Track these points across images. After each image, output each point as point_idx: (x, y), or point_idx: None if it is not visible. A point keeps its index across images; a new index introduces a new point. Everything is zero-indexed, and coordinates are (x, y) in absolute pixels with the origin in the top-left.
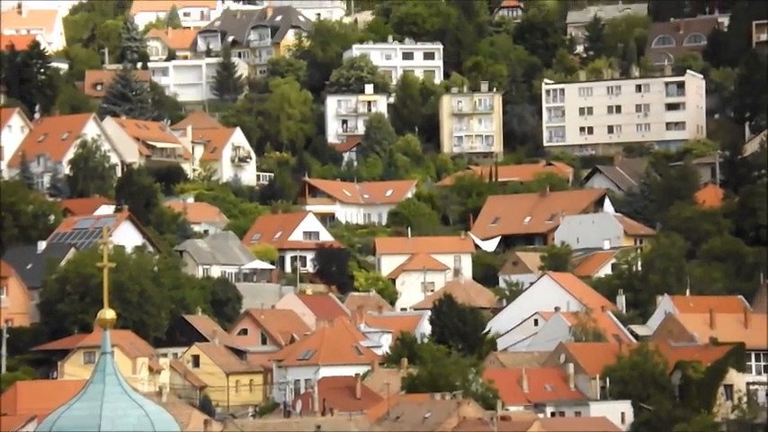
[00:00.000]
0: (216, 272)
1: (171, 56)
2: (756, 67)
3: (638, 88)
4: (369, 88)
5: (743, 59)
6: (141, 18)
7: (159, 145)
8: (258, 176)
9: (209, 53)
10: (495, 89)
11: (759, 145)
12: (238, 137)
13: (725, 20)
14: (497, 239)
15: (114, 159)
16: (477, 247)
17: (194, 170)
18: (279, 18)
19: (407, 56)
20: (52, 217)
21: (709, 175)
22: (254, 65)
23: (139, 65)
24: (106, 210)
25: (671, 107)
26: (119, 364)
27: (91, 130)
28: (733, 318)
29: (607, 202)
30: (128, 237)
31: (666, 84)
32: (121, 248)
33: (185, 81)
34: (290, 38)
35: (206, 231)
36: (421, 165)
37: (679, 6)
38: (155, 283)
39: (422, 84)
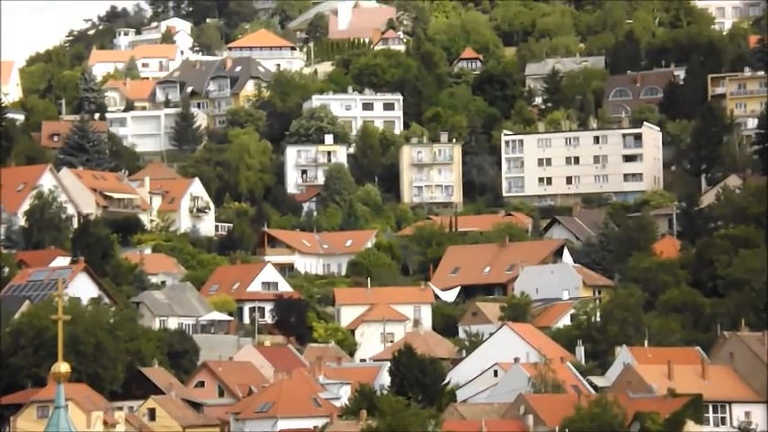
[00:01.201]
0: (173, 323)
1: (129, 106)
2: (712, 120)
3: (596, 140)
4: (329, 138)
5: (699, 112)
6: (99, 69)
7: (116, 196)
8: (217, 227)
9: (167, 104)
10: (454, 140)
11: (715, 197)
12: (197, 187)
13: (681, 73)
14: (457, 290)
15: (71, 210)
16: (436, 297)
17: (152, 221)
18: (238, 69)
19: (367, 106)
20: (7, 269)
21: (667, 227)
22: (214, 115)
23: (97, 115)
24: (62, 261)
25: (628, 159)
26: (73, 418)
27: (47, 181)
28: (691, 369)
29: (566, 252)
30: (84, 289)
31: (624, 135)
32: (77, 301)
33: (143, 132)
34: (249, 88)
35: (163, 282)
36: (381, 215)
37: (636, 59)
38: (110, 335)
39: (382, 134)
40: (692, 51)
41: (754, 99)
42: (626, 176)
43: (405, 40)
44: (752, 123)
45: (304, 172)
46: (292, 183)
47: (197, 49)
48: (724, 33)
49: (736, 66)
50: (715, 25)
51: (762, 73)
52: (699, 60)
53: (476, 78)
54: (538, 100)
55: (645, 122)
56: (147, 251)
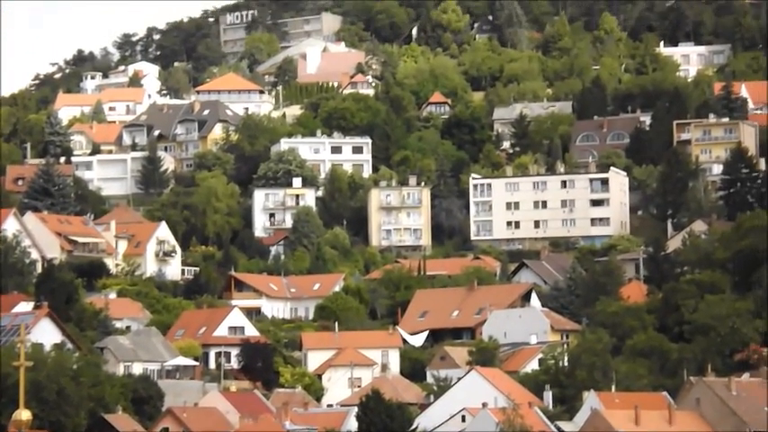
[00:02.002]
0: (137, 369)
1: (95, 150)
2: (677, 166)
3: (564, 184)
4: (297, 182)
5: (664, 158)
6: (65, 112)
7: (81, 240)
8: (183, 271)
9: (134, 147)
10: (423, 183)
11: (681, 242)
12: (163, 231)
13: (647, 119)
14: (425, 334)
15: (35, 255)
16: (404, 341)
17: (117, 265)
18: (206, 112)
19: (336, 150)
20: None
21: (634, 271)
22: (181, 159)
23: (63, 159)
24: (25, 307)
25: (595, 203)
26: None
27: (11, 225)
28: (658, 414)
29: (534, 296)
30: (47, 334)
31: (591, 180)
32: (40, 346)
33: (110, 175)
34: (217, 132)
35: (128, 327)
36: (349, 258)
37: (602, 105)
38: (74, 381)
39: (350, 177)
40: (657, 98)
41: (719, 145)
42: (593, 221)
43: (374, 85)
44: (717, 169)
45: (272, 215)
46: (260, 226)
47: (165, 92)
48: (689, 80)
49: (700, 112)
50: (680, 72)
51: (726, 119)
52: (664, 106)
53: (444, 122)
54: (506, 144)
55: (611, 167)
56: (112, 296)
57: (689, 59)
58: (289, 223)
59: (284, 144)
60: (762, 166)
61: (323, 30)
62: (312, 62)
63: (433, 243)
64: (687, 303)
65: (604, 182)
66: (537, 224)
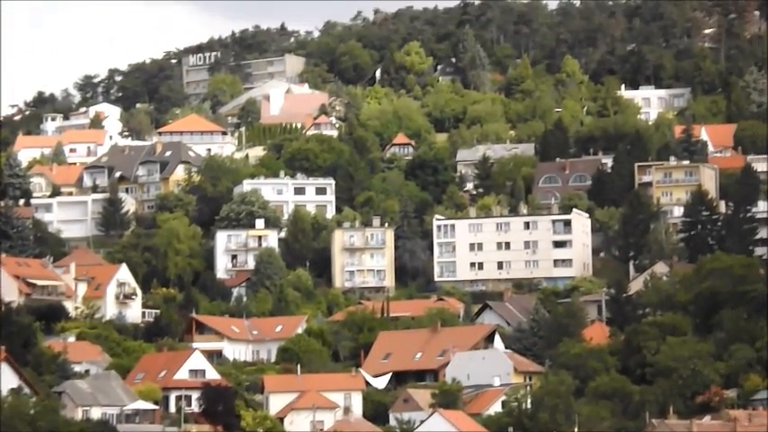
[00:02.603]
0: (96, 413)
1: (55, 192)
2: (639, 208)
3: (527, 225)
4: (259, 223)
5: (626, 200)
6: (25, 154)
7: (40, 283)
8: (144, 313)
9: (95, 189)
10: (386, 224)
11: (643, 284)
12: (124, 273)
13: (608, 161)
14: (388, 376)
15: None
16: (367, 383)
17: (77, 308)
18: (168, 153)
19: (299, 191)
20: None
21: (596, 313)
22: (142, 200)
23: (22, 201)
24: None
25: (558, 245)
26: None
27: None
28: None
29: (497, 338)
30: (4, 379)
31: (553, 222)
32: None
33: (70, 217)
34: (179, 173)
35: (87, 371)
36: (312, 300)
37: (564, 147)
38: (31, 426)
39: (313, 218)
40: (619, 140)
41: (680, 187)
42: (556, 262)
43: (337, 126)
44: (678, 211)
45: (234, 257)
46: (222, 268)
47: (126, 134)
48: (650, 123)
49: (661, 155)
50: (641, 115)
51: (686, 162)
52: (626, 149)
53: (408, 164)
54: (469, 185)
55: (574, 209)
56: (71, 339)
57: (650, 103)
58: (251, 265)
59: (247, 185)
60: (722, 208)
61: (286, 71)
62: (275, 103)
63: (396, 284)
64: (649, 345)
65: (567, 223)
66: (500, 265)
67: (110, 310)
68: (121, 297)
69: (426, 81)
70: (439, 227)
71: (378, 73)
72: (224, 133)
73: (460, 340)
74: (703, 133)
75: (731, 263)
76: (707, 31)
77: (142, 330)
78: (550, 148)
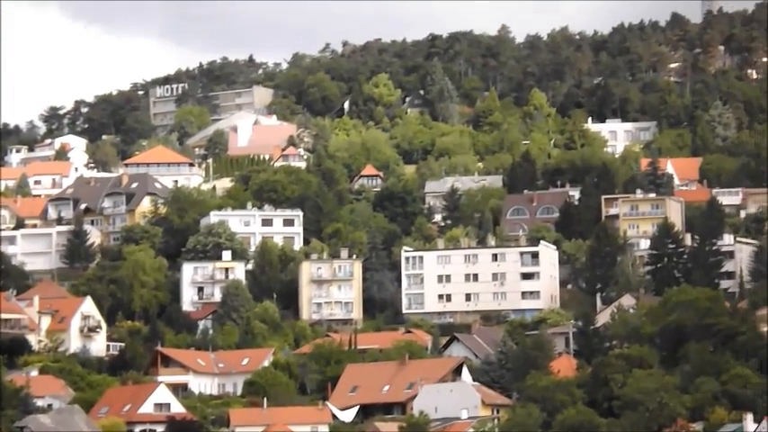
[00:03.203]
0: None
1: (19, 224)
2: (606, 240)
3: (495, 257)
4: (226, 255)
5: (593, 232)
6: None
7: (3, 316)
8: (108, 347)
9: (60, 221)
10: (354, 256)
11: (610, 316)
12: (88, 306)
13: (576, 193)
14: (356, 409)
15: None
16: (334, 417)
17: (40, 341)
18: (134, 185)
19: (267, 222)
20: None
21: (564, 345)
22: (108, 232)
23: None
24: None
25: (526, 276)
26: None
27: None
28: None
29: (465, 370)
30: None
31: (521, 254)
32: None
33: (34, 250)
34: (145, 205)
35: (50, 406)
36: (279, 332)
37: (532, 179)
38: None
39: (281, 250)
40: (586, 173)
41: (646, 220)
42: (524, 294)
43: (305, 157)
44: (644, 244)
45: (200, 289)
46: (188, 300)
47: (92, 165)
48: (616, 156)
49: (628, 188)
50: (608, 148)
51: (653, 195)
52: (593, 181)
53: (376, 195)
54: (437, 217)
55: (541, 241)
56: (34, 373)
57: (616, 136)
58: (218, 297)
59: (214, 217)
60: (688, 241)
61: (254, 103)
62: (243, 135)
63: (364, 316)
64: (616, 378)
65: (535, 255)
66: (468, 297)
67: (74, 343)
68: (86, 330)
69: (395, 113)
70: (407, 258)
71: (346, 105)
72: (191, 165)
73: (428, 373)
74: (669, 166)
75: (697, 296)
76: (672, 66)
77: (106, 364)
78: (518, 180)
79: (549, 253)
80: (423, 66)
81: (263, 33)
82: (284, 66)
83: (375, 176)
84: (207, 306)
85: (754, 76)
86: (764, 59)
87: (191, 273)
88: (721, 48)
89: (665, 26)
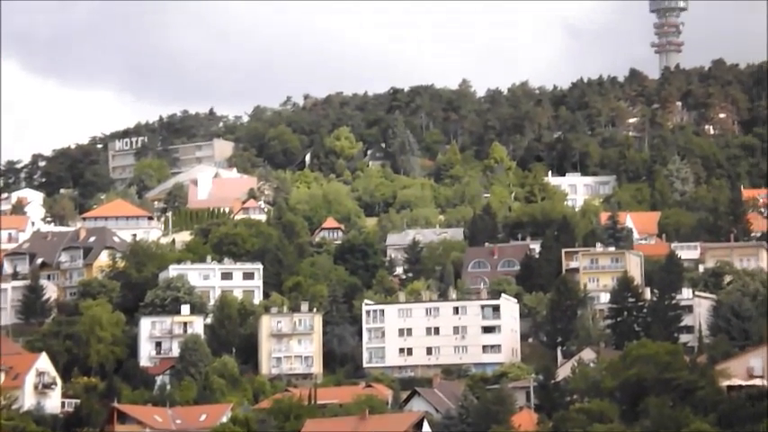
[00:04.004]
0: None
1: None
2: (566, 294)
3: (456, 310)
4: (185, 309)
5: (554, 285)
6: None
7: None
8: (63, 403)
9: (15, 276)
10: (315, 309)
11: (570, 370)
12: (43, 362)
13: (536, 246)
14: None
15: None
16: None
17: None
18: (92, 239)
19: (226, 276)
20: None
21: (525, 399)
22: (65, 287)
23: None
24: None
25: (487, 330)
26: None
27: None
28: None
29: (426, 425)
30: None
31: (482, 307)
32: None
33: None
34: (103, 259)
35: None
36: (238, 387)
37: (493, 232)
38: None
39: (240, 304)
40: (546, 226)
41: (606, 274)
42: (485, 348)
43: (266, 210)
44: (604, 298)
45: (158, 344)
46: (146, 355)
47: (49, 219)
48: (576, 209)
49: (588, 241)
50: (568, 201)
51: (612, 249)
52: (553, 235)
53: (337, 248)
54: (399, 270)
55: (503, 294)
56: None
57: (576, 189)
58: (176, 352)
59: (173, 270)
60: (647, 295)
61: (215, 156)
62: (203, 188)
63: (324, 371)
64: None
65: (496, 309)
66: (429, 351)
67: (28, 400)
68: (40, 387)
69: (356, 166)
70: (368, 312)
71: (307, 157)
72: (150, 218)
73: (389, 428)
74: (629, 220)
75: (656, 350)
76: (631, 121)
77: (61, 421)
78: (479, 233)
79: (509, 306)
80: (384, 119)
81: (225, 86)
82: (245, 119)
83: (336, 229)
84: (165, 361)
85: (711, 131)
86: (721, 115)
87: (148, 327)
88: (679, 103)
89: (624, 81)
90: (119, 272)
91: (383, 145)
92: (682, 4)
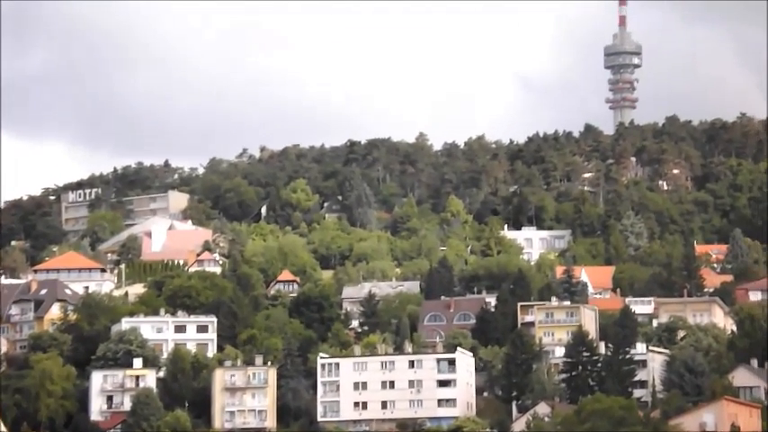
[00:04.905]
0: None
1: None
2: (521, 348)
3: (411, 364)
4: (137, 362)
5: (509, 339)
6: None
7: None
8: None
9: None
10: (269, 363)
11: (525, 424)
12: None
13: (492, 300)
14: None
15: None
16: None
17: None
18: (44, 291)
19: (180, 329)
20: None
21: None
22: (15, 340)
23: None
24: None
25: (442, 384)
26: None
27: None
28: None
29: None
30: None
31: (438, 360)
32: None
33: None
34: (55, 311)
35: None
36: None
37: (449, 285)
38: None
39: (194, 357)
40: (502, 279)
41: (561, 328)
42: (440, 402)
43: (221, 262)
44: (559, 352)
45: (110, 398)
46: (96, 409)
47: (0, 272)
48: (532, 263)
49: (543, 295)
50: (523, 255)
51: (567, 303)
52: (509, 288)
53: (293, 301)
54: (354, 323)
55: (458, 348)
56: None
57: (532, 243)
58: (127, 406)
59: (125, 323)
60: (602, 349)
61: (169, 208)
62: (157, 240)
63: (278, 425)
64: None
65: (451, 362)
66: (384, 405)
67: None
68: None
69: (312, 218)
70: (323, 365)
71: (263, 210)
72: (103, 270)
73: None
74: (583, 274)
75: (611, 404)
76: (586, 175)
77: None
78: (435, 286)
79: (465, 360)
80: (341, 171)
81: (180, 138)
82: (201, 170)
83: (292, 282)
84: (116, 415)
85: (665, 187)
86: (675, 171)
87: (100, 381)
88: (633, 159)
89: (579, 137)
90: (70, 325)
91: (340, 197)
92: (636, 61)
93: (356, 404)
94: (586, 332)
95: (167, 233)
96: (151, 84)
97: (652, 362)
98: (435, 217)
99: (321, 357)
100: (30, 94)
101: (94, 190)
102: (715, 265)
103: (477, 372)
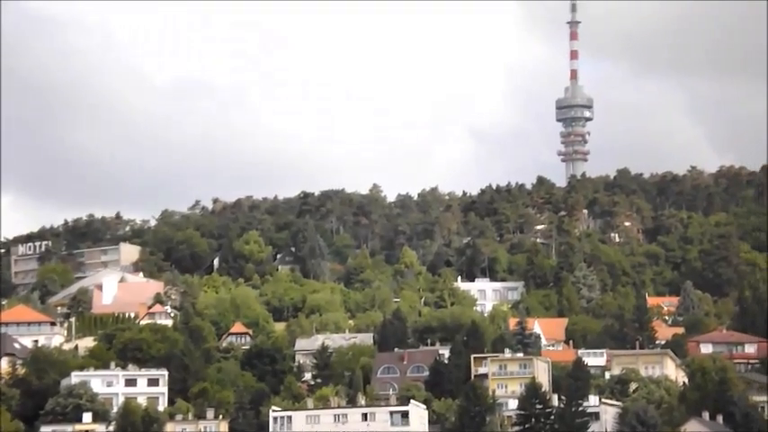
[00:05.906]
0: None
1: None
2: (475, 400)
3: (364, 417)
4: (87, 417)
5: (462, 391)
6: None
7: None
8: None
9: None
10: (221, 416)
11: None
12: None
13: (445, 351)
14: None
15: None
16: None
17: None
18: None
19: (130, 382)
20: None
21: None
22: None
23: None
24: None
25: None
26: None
27: None
28: None
29: None
30: None
31: (391, 413)
32: None
33: None
34: (3, 365)
35: None
36: None
37: (403, 337)
38: None
39: (145, 411)
40: (456, 331)
41: (515, 380)
42: None
43: (172, 315)
44: (513, 404)
45: None
46: None
47: None
48: (485, 315)
49: (497, 346)
50: (477, 307)
51: (521, 355)
52: (462, 340)
53: (245, 353)
54: (307, 376)
55: (412, 400)
56: None
57: (485, 295)
58: None
59: (75, 377)
60: (555, 402)
61: (121, 260)
62: (108, 293)
63: None
64: None
65: (405, 415)
66: None
67: None
68: None
69: (265, 270)
70: (275, 418)
71: (216, 262)
72: (53, 324)
73: None
74: (537, 326)
75: None
76: (539, 227)
77: None
78: (389, 338)
79: (418, 412)
80: (294, 223)
81: (131, 190)
82: (153, 222)
83: (244, 334)
84: None
85: (617, 239)
86: (626, 224)
87: None
88: (585, 211)
89: (532, 189)
90: (19, 379)
91: (293, 249)
92: (587, 114)
93: None
94: (539, 384)
95: (118, 286)
96: (102, 135)
97: (605, 414)
98: (389, 268)
99: (273, 410)
100: None
101: (44, 243)
102: (666, 318)
103: (430, 424)
